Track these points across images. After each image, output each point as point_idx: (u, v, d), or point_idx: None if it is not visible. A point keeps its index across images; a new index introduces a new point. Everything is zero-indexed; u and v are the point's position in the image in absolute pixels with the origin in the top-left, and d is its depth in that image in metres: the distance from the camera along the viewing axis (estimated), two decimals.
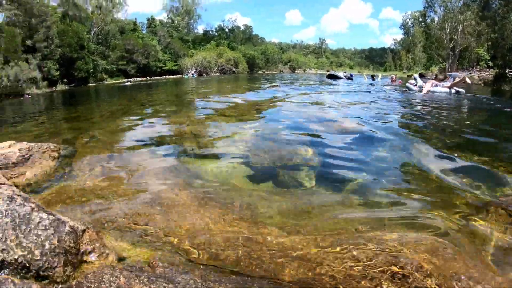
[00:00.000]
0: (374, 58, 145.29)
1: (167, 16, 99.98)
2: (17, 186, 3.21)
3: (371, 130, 8.36)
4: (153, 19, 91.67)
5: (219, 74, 79.82)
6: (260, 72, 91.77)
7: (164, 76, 72.87)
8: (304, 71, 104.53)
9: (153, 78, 69.19)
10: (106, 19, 68.71)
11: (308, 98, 16.46)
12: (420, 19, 74.37)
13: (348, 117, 10.30)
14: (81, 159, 4.83)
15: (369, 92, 20.51)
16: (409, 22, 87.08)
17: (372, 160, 5.89)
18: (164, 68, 76.61)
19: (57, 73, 50.38)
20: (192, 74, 73.21)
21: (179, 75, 75.54)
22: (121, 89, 36.60)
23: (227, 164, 5.51)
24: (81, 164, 4.50)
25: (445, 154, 6.32)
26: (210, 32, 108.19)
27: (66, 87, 51.61)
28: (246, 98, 14.38)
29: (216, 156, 6.01)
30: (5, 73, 39.97)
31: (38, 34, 49.37)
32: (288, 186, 4.70)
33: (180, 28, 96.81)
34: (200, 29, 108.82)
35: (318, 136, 7.61)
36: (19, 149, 3.70)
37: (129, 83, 48.11)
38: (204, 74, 76.52)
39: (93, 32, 63.61)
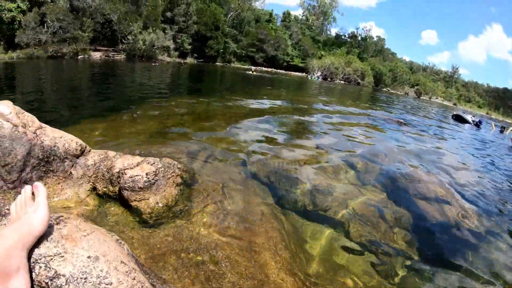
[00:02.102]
0: (508, 101, 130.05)
1: (302, 13, 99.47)
2: (140, 212, 3.39)
3: None
4: (288, 13, 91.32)
5: (343, 82, 75.10)
6: (384, 89, 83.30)
7: (288, 72, 71.08)
8: (430, 98, 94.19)
9: (278, 70, 67.81)
10: (244, 6, 69.42)
11: (429, 142, 13.20)
12: None
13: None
14: (199, 188, 4.31)
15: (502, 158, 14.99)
16: None
17: None
18: (291, 63, 74.97)
19: (189, 47, 51.75)
20: (317, 77, 69.99)
21: (304, 74, 73.07)
22: (245, 78, 35.27)
23: None
24: (198, 198, 4.08)
25: None
26: (343, 37, 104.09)
27: (195, 61, 52.88)
28: (373, 138, 11.02)
29: None
30: (143, 38, 41.41)
31: (178, 9, 51.14)
32: None
33: (313, 27, 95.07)
34: (333, 32, 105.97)
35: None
36: (146, 174, 3.56)
37: (251, 72, 46.75)
38: (329, 79, 72.67)
39: (229, 15, 64.35)
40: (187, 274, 2.78)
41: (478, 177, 9.12)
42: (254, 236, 3.64)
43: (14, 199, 2.06)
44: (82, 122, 7.29)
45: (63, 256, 1.58)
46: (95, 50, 37.06)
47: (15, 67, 23.20)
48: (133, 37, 40.72)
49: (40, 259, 1.51)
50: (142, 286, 1.72)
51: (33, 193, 1.70)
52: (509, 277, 4.36)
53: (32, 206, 1.61)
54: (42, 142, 3.19)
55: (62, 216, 1.90)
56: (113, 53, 39.36)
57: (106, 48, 39.21)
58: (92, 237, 1.83)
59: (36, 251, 1.52)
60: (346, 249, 4.13)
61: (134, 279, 1.72)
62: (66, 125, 6.68)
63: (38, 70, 23.01)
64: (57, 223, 1.77)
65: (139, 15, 43.82)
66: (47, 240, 1.59)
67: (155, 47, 43.18)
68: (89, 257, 1.66)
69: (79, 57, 33.92)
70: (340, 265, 3.77)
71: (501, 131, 29.88)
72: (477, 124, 29.48)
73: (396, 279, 3.82)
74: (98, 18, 37.54)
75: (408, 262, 4.17)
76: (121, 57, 39.79)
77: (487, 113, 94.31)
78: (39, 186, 1.66)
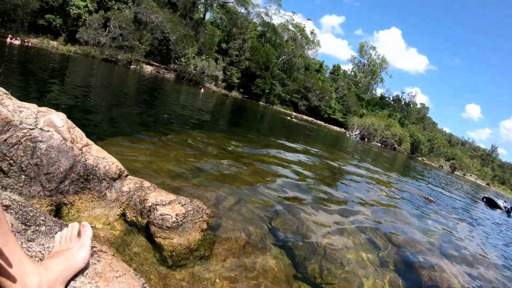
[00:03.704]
0: None
1: (352, 69, 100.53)
2: (162, 250, 3.39)
3: None
4: (338, 67, 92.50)
5: (379, 144, 73.72)
6: (420, 158, 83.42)
7: (327, 124, 70.91)
8: (464, 175, 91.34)
9: (318, 121, 67.86)
10: (296, 52, 70.64)
11: (453, 225, 12.20)
12: None
13: None
14: (223, 237, 4.28)
15: None
16: None
17: None
18: (332, 116, 75.06)
19: (237, 81, 52.45)
20: (356, 136, 69.24)
21: (343, 129, 72.58)
22: (284, 124, 34.71)
23: None
24: (220, 248, 4.03)
25: None
26: (387, 98, 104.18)
27: (239, 96, 53.38)
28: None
29: None
30: (195, 63, 42.21)
31: (234, 43, 52.36)
32: None
33: (359, 84, 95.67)
34: (378, 92, 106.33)
35: None
36: (176, 215, 3.56)
37: (292, 118, 46.75)
38: (366, 139, 71.67)
39: (281, 59, 65.42)
40: None
41: (497, 271, 8.43)
42: None
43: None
44: (119, 138, 7.35)
45: None
46: (148, 63, 38.00)
47: (71, 61, 23.46)
48: (186, 60, 41.59)
49: None
50: None
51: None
52: None
53: (76, 242, 1.71)
54: (86, 160, 3.34)
55: (95, 247, 1.99)
56: (163, 70, 40.14)
57: (158, 64, 40.11)
58: (123, 279, 1.93)
59: (72, 283, 1.61)
60: None
61: None
62: (104, 138, 6.90)
63: (91, 69, 23.39)
64: (91, 255, 1.85)
65: (196, 41, 45.02)
66: (83, 275, 1.69)
67: (204, 74, 43.86)
68: None
69: (132, 66, 34.83)
70: None
71: None
72: (509, 211, 27.99)
73: None
74: (157, 34, 38.81)
75: None
76: (170, 76, 40.50)
77: None
78: (87, 226, 1.80)
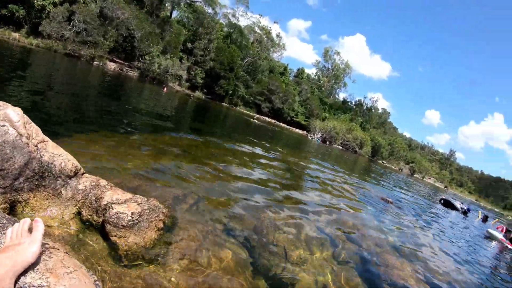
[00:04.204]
0: (498, 190, 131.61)
1: (316, 73, 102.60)
2: (118, 249, 3.42)
3: None
4: (302, 71, 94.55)
5: (341, 148, 76.41)
6: (380, 162, 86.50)
7: (290, 127, 72.52)
8: (423, 177, 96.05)
9: (280, 124, 69.23)
10: (262, 54, 71.88)
11: (410, 226, 12.78)
12: None
13: None
14: (179, 237, 4.32)
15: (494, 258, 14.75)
16: None
17: None
18: (295, 119, 76.69)
19: (201, 81, 52.80)
20: (317, 138, 71.27)
21: (305, 132, 74.52)
22: (247, 126, 35.86)
23: None
24: (176, 247, 4.06)
25: None
26: (349, 103, 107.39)
27: (203, 96, 53.64)
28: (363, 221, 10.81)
29: None
30: (159, 61, 42.43)
31: (199, 42, 52.80)
32: None
33: (323, 89, 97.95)
34: (341, 96, 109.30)
35: None
36: (132, 213, 3.62)
37: (255, 120, 48.94)
38: (327, 142, 74.01)
39: (245, 60, 66.28)
40: None
41: (452, 267, 9.07)
42: None
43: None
44: (79, 136, 7.33)
45: None
46: (111, 60, 37.87)
47: (32, 54, 23.29)
48: (150, 58, 41.76)
49: (25, 287, 1.64)
50: None
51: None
52: None
53: (27, 238, 1.77)
54: (41, 157, 3.31)
55: (47, 244, 2.03)
56: (127, 68, 40.11)
57: (122, 62, 40.01)
58: (74, 275, 1.96)
59: (22, 279, 1.65)
60: None
61: None
62: (62, 135, 6.81)
63: (52, 63, 23.19)
64: (43, 251, 1.89)
65: (161, 39, 45.26)
66: (33, 271, 1.73)
67: (168, 73, 44.11)
68: None
69: (95, 63, 34.66)
70: None
71: (484, 221, 29.54)
72: (465, 212, 29.31)
73: None
74: (123, 30, 38.78)
75: None
76: (134, 74, 40.51)
77: (476, 200, 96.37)
78: (39, 222, 1.82)
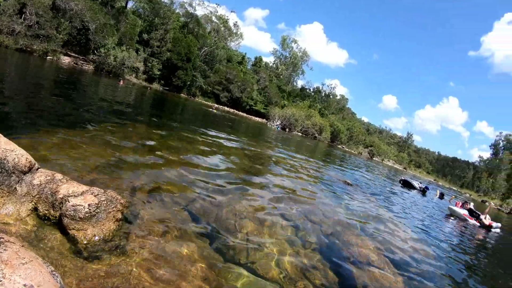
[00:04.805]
0: (455, 170, 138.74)
1: (274, 61, 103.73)
2: (77, 242, 3.44)
3: None
4: (260, 59, 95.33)
5: (300, 134, 78.50)
6: (340, 146, 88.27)
7: (249, 116, 73.51)
8: (382, 160, 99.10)
9: (240, 112, 70.18)
10: (219, 44, 72.33)
11: (371, 206, 13.20)
12: None
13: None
14: (139, 227, 4.50)
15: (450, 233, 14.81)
16: (501, 144, 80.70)
17: None
18: (254, 107, 77.74)
19: (158, 72, 52.81)
20: (277, 126, 72.84)
21: (264, 120, 75.80)
22: (206, 116, 35.97)
23: None
24: (136, 236, 4.20)
25: None
26: (308, 90, 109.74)
27: (160, 88, 53.71)
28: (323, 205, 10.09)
29: None
30: (115, 53, 42.14)
31: (156, 33, 52.59)
32: None
33: (281, 77, 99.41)
34: (299, 84, 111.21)
35: None
36: (88, 205, 3.61)
37: (214, 110, 49.28)
38: (287, 129, 75.86)
39: (203, 50, 66.49)
40: None
41: (412, 243, 9.33)
42: (183, 281, 3.75)
43: None
44: (34, 131, 7.16)
45: (1, 281, 1.76)
46: (65, 54, 37.31)
47: None
48: (106, 50, 41.51)
49: None
50: None
51: None
52: None
53: None
54: None
55: (2, 238, 2.11)
56: (82, 61, 39.63)
57: (76, 55, 39.50)
58: (30, 266, 2.01)
59: None
60: None
61: None
62: (16, 131, 6.80)
63: (4, 60, 22.73)
64: None
65: (117, 30, 44.87)
66: None
67: (124, 66, 43.85)
68: (25, 285, 1.85)
69: (48, 57, 34.06)
70: None
71: (440, 198, 31.19)
72: (424, 191, 30.50)
73: None
74: (76, 23, 38.21)
75: None
76: (89, 67, 40.08)
77: (434, 180, 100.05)
78: None
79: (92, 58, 41.33)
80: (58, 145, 6.46)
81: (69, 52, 38.31)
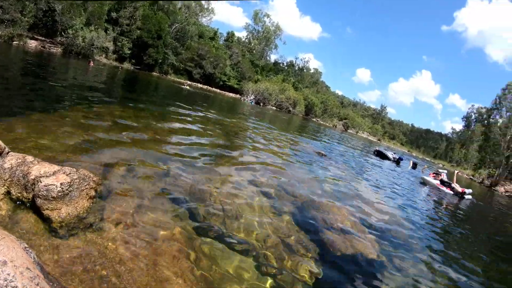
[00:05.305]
0: (428, 141, 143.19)
1: (246, 36, 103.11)
2: (51, 221, 3.43)
3: None
4: (232, 34, 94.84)
5: (275, 108, 79.80)
6: (314, 119, 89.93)
7: (223, 91, 73.79)
8: (357, 132, 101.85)
9: (213, 89, 70.27)
10: (190, 20, 71.60)
11: (345, 175, 13.62)
12: (484, 116, 71.87)
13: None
14: (114, 203, 4.51)
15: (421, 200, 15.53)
16: (473, 116, 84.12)
17: None
18: (227, 83, 77.86)
19: (129, 51, 52.25)
20: (251, 100, 73.70)
21: (238, 95, 76.30)
22: (178, 93, 35.81)
23: None
24: (111, 212, 4.23)
25: None
26: (281, 64, 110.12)
27: (132, 67, 53.29)
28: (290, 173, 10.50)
29: None
30: (83, 34, 41.67)
31: (124, 11, 51.64)
32: None
33: (254, 51, 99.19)
34: (272, 58, 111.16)
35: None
36: (61, 184, 3.65)
37: (186, 87, 49.98)
38: (261, 104, 76.78)
39: (174, 27, 65.75)
40: (91, 286, 2.95)
41: (386, 210, 9.58)
42: (159, 254, 3.79)
43: None
44: (3, 116, 7.02)
45: None
46: (32, 38, 36.72)
47: None
48: (74, 32, 40.93)
49: None
50: None
51: None
52: None
53: None
54: None
55: None
56: (49, 44, 39.01)
57: (43, 39, 38.88)
58: (2, 242, 2.03)
59: None
60: (251, 272, 4.27)
61: (37, 285, 1.87)
62: None
63: None
64: None
65: (84, 10, 44.02)
66: None
67: (94, 46, 43.38)
68: None
69: (14, 43, 33.58)
70: None
71: (413, 168, 31.58)
72: (398, 161, 31.49)
73: None
74: (42, 4, 37.40)
75: None
76: (57, 50, 39.55)
77: (408, 151, 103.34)
78: None
79: (60, 40, 40.75)
80: (29, 128, 6.42)
81: (35, 36, 37.69)
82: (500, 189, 40.08)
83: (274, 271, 4.43)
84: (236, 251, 4.60)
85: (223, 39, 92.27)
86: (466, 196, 18.96)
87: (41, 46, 37.16)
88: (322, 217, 6.72)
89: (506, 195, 35.37)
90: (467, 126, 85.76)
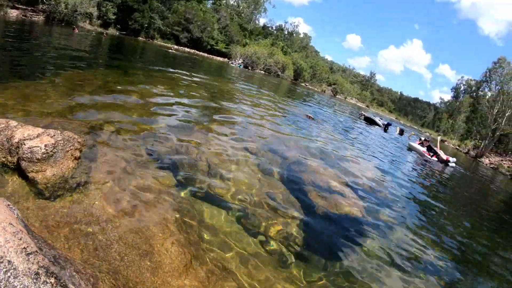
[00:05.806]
0: (416, 110, 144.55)
1: None
2: (37, 183, 3.45)
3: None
4: None
5: (263, 72, 79.52)
6: (303, 84, 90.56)
7: (211, 55, 72.86)
8: (345, 98, 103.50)
9: (200, 53, 69.33)
10: None
11: (333, 138, 13.96)
12: (473, 89, 73.04)
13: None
14: (100, 164, 4.56)
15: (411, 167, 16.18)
16: (462, 87, 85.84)
17: None
18: (215, 47, 76.91)
19: (114, 17, 50.98)
20: (239, 64, 73.12)
21: (226, 59, 75.42)
22: (166, 57, 35.59)
23: None
24: (98, 173, 4.28)
25: None
26: (270, 28, 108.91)
27: (117, 33, 52.14)
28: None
29: None
30: (66, 0, 40.35)
31: None
32: None
33: (242, 15, 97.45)
34: (261, 22, 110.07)
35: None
36: (45, 145, 3.66)
37: (172, 50, 49.65)
38: (249, 68, 76.37)
39: None
40: (77, 244, 2.97)
41: (373, 173, 9.75)
42: (146, 213, 3.83)
43: None
44: None
45: None
46: (13, 7, 35.49)
47: None
48: None
49: None
50: (27, 246, 1.88)
51: None
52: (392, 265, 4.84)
53: None
54: None
55: None
56: (31, 13, 37.75)
57: (24, 7, 37.62)
58: None
59: None
60: (238, 234, 4.33)
61: (20, 239, 1.89)
62: None
63: None
64: None
65: None
66: None
67: (77, 12, 42.29)
68: None
69: None
70: (231, 252, 3.92)
71: (400, 134, 31.46)
72: (386, 127, 31.31)
73: (288, 264, 4.11)
74: None
75: (297, 248, 4.47)
76: (39, 18, 38.35)
77: (396, 118, 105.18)
78: None
79: (41, 8, 39.48)
80: (13, 95, 6.34)
81: (16, 5, 36.46)
82: (485, 160, 41.24)
83: (258, 229, 4.57)
84: (222, 208, 4.73)
85: (211, 2, 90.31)
86: (450, 164, 19.75)
87: (23, 15, 35.93)
88: (309, 177, 6.89)
89: (491, 167, 36.59)
90: (456, 97, 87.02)
